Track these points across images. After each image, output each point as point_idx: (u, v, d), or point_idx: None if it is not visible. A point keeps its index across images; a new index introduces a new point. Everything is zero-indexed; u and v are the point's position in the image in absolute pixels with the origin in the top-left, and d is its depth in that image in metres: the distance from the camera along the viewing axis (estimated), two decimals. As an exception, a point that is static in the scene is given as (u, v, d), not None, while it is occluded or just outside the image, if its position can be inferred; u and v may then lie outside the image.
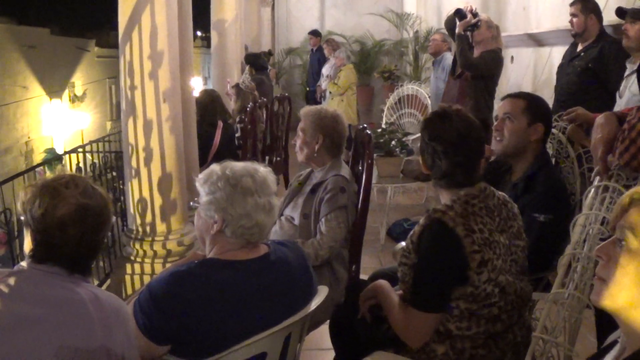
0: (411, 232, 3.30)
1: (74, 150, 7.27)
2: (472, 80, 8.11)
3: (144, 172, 5.94)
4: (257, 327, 2.88)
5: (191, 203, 3.30)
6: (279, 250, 3.14)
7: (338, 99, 13.63)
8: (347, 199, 4.56)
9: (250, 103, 8.76)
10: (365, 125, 5.46)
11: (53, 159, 6.66)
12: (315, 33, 16.16)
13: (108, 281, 6.57)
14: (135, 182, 5.98)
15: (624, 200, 1.99)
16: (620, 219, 1.98)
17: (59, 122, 37.56)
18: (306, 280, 3.18)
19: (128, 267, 6.13)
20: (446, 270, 3.13)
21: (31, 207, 2.60)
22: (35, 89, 36.21)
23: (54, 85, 36.47)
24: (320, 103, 14.30)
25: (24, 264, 2.66)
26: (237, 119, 8.87)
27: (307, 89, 15.89)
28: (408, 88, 12.33)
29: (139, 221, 6.02)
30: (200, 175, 3.12)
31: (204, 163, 7.44)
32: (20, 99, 34.49)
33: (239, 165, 3.10)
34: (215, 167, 3.10)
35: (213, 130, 8.11)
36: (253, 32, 17.17)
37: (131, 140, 5.95)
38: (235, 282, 2.91)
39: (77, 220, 2.58)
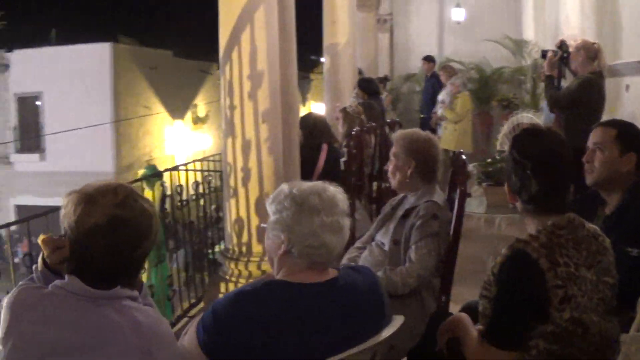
0: (493, 263, 3.13)
1: (175, 168, 7.31)
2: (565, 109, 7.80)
3: (241, 192, 5.91)
4: (318, 354, 2.78)
5: (262, 224, 3.20)
6: (348, 275, 3.01)
7: (452, 126, 13.45)
8: (440, 227, 4.40)
9: (357, 127, 8.67)
10: (461, 150, 5.29)
11: (152, 175, 6.67)
12: (429, 59, 15.97)
13: (201, 304, 6.56)
14: (232, 201, 5.96)
15: None
16: None
17: (180, 143, 38.33)
18: (376, 310, 3.03)
19: (222, 286, 6.09)
20: (525, 305, 2.93)
21: (68, 214, 2.54)
22: (158, 110, 37.03)
23: (177, 106, 37.25)
24: (435, 130, 14.14)
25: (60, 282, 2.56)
26: (344, 143, 8.79)
27: (422, 115, 15.69)
28: (523, 116, 12.04)
29: (235, 241, 5.98)
30: (271, 195, 3.04)
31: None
32: (144, 119, 35.25)
33: (306, 184, 3.01)
34: (283, 186, 3.02)
35: (317, 153, 8.04)
36: (369, 56, 17.07)
37: (230, 159, 5.94)
38: (298, 305, 2.82)
39: (108, 231, 2.48)
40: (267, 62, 5.77)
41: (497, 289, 3.02)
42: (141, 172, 6.83)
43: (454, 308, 4.58)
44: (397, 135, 4.80)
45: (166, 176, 7.22)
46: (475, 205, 9.06)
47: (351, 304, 2.92)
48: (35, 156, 35.42)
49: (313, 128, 8.17)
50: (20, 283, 2.69)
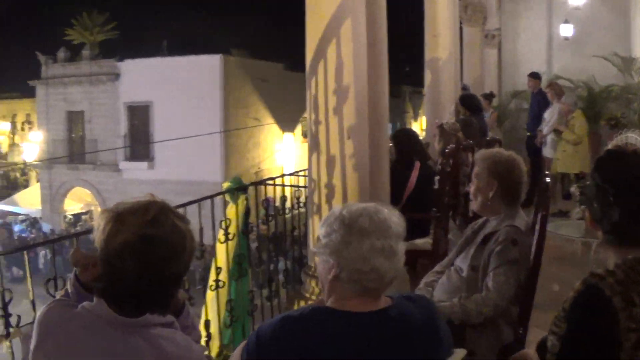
0: (564, 299, 2.89)
1: (262, 182, 7.24)
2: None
3: (325, 208, 5.80)
4: None
5: (314, 248, 3.04)
6: (402, 305, 2.83)
7: (572, 148, 13.06)
8: (520, 253, 4.16)
9: (452, 145, 8.46)
10: (547, 172, 5.04)
11: (236, 188, 6.60)
12: (534, 75, 15.54)
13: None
14: (316, 218, 5.86)
15: None
16: None
17: (289, 156, 38.64)
18: (431, 343, 2.83)
19: (302, 304, 5.97)
20: (594, 347, 2.69)
21: (98, 232, 2.44)
22: (267, 122, 37.38)
23: (287, 119, 37.53)
24: (540, 149, 13.82)
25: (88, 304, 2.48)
26: (439, 161, 8.59)
27: (528, 133, 15.31)
28: (629, 137, 11.59)
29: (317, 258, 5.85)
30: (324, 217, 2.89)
31: (397, 204, 7.21)
32: (253, 130, 35.61)
33: (358, 205, 2.85)
34: (335, 208, 2.90)
35: (409, 171, 7.86)
36: (475, 72, 16.74)
37: (314, 175, 5.85)
38: (344, 334, 2.67)
39: (138, 250, 2.36)
40: (354, 77, 5.64)
41: (566, 326, 2.79)
42: (225, 184, 6.72)
43: (541, 334, 4.33)
44: (479, 155, 4.59)
45: (250, 191, 7.14)
46: (575, 228, 8.71)
47: (403, 337, 2.73)
48: (144, 164, 36.24)
49: (405, 144, 8.02)
50: (55, 299, 2.65)
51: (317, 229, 5.67)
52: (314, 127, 5.77)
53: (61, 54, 40.47)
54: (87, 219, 42.94)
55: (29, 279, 4.57)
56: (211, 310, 6.40)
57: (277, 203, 7.39)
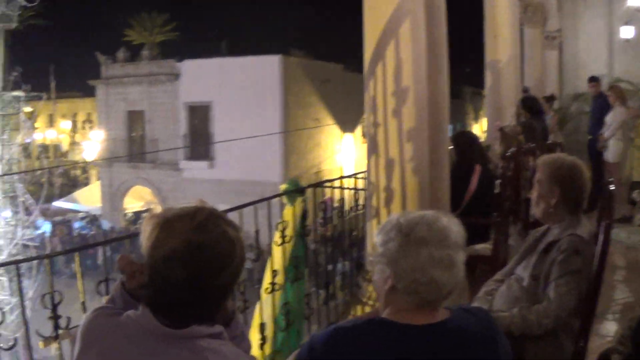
0: (630, 316, 2.77)
1: (319, 184, 7.16)
2: None
3: (383, 212, 5.74)
4: None
5: (370, 257, 2.95)
6: (461, 318, 2.72)
7: (640, 153, 12.85)
8: (582, 263, 4.02)
9: (513, 148, 8.31)
10: (611, 178, 4.88)
11: (293, 191, 6.53)
12: (593, 79, 15.27)
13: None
14: (374, 222, 5.81)
15: None
16: None
17: (349, 157, 38.59)
18: (489, 357, 2.74)
19: (359, 309, 5.91)
20: None
21: (145, 239, 2.36)
22: (327, 123, 37.38)
23: (347, 120, 37.50)
24: (601, 153, 13.57)
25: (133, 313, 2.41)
26: (499, 165, 8.45)
27: (590, 137, 15.05)
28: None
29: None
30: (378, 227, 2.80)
31: (457, 208, 7.10)
32: (313, 131, 35.66)
33: (416, 213, 2.74)
34: (392, 216, 2.78)
35: (470, 174, 7.74)
36: (536, 74, 16.52)
37: (373, 178, 5.79)
38: (400, 348, 2.57)
39: (185, 258, 2.26)
40: (413, 79, 5.56)
41: (633, 346, 2.67)
42: (283, 186, 6.66)
43: (600, 344, 4.21)
44: (541, 161, 4.45)
45: (308, 193, 7.07)
46: (638, 234, 8.51)
47: (460, 351, 2.63)
48: (204, 164, 36.50)
49: (466, 147, 7.90)
50: (98, 306, 2.57)
51: (375, 233, 5.62)
52: (373, 129, 5.71)
53: (120, 54, 40.91)
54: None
55: (80, 281, 4.55)
56: (266, 313, 6.36)
57: (335, 205, 7.30)
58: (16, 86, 26.57)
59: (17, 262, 4.43)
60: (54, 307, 4.29)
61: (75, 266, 4.59)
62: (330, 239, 7.88)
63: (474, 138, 8.39)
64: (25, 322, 4.29)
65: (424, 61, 5.66)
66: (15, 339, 4.32)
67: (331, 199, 7.79)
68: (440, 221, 2.69)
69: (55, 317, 4.24)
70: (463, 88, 59.72)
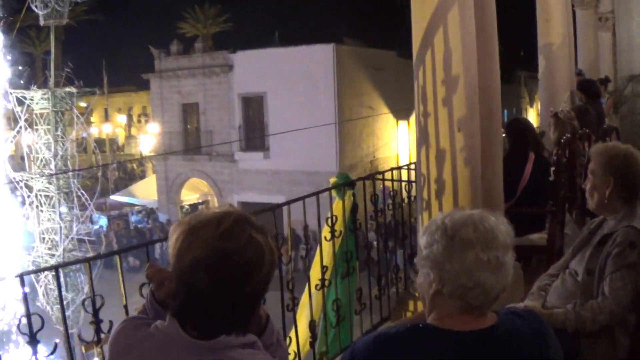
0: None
1: (369, 177, 7.01)
2: None
3: (434, 204, 5.59)
4: None
5: (415, 259, 2.80)
6: (510, 322, 2.58)
7: None
8: (638, 256, 3.84)
9: (568, 134, 8.08)
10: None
11: (343, 184, 6.41)
12: (648, 59, 14.99)
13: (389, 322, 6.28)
14: (425, 214, 5.67)
15: None
16: None
17: (404, 144, 38.43)
18: None
19: (411, 304, 5.78)
20: None
21: (171, 246, 2.28)
22: (381, 110, 37.24)
23: (401, 107, 37.30)
24: (656, 137, 13.25)
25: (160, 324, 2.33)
26: (554, 151, 8.22)
27: (647, 120, 14.73)
28: None
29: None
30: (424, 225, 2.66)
31: (511, 197, 6.92)
32: (367, 119, 35.57)
33: (462, 213, 2.61)
34: (437, 216, 2.65)
35: (523, 163, 7.54)
36: (589, 57, 16.20)
37: (423, 170, 5.65)
38: (445, 355, 2.46)
39: (210, 266, 2.17)
40: (463, 66, 5.38)
41: None
42: (333, 180, 6.55)
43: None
44: (594, 150, 4.29)
45: (358, 186, 6.95)
46: None
47: (509, 357, 2.48)
48: (259, 154, 36.65)
49: (519, 135, 7.73)
50: (128, 317, 2.56)
51: (421, 232, 5.49)
52: (423, 119, 5.56)
53: (174, 47, 41.10)
54: (204, 209, 43.65)
55: (121, 284, 4.47)
56: (315, 309, 6.27)
57: (381, 198, 7.15)
58: (69, 82, 26.83)
59: (57, 267, 4.39)
60: (96, 311, 4.24)
61: (120, 264, 4.50)
62: (385, 230, 7.71)
63: (527, 125, 8.19)
64: (66, 328, 4.23)
65: (473, 47, 5.48)
66: (56, 344, 4.24)
67: (388, 188, 7.68)
68: (487, 221, 2.55)
69: (96, 322, 4.18)
70: (517, 72, 59.06)
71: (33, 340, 3.94)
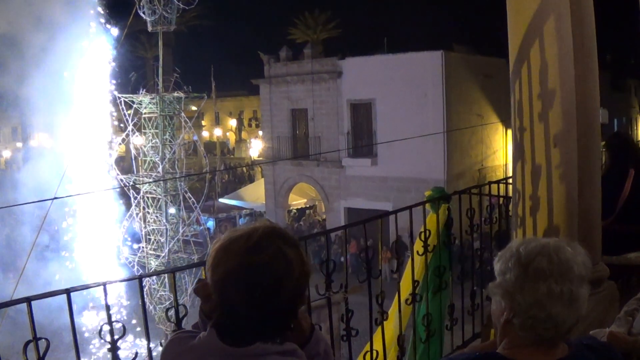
0: None
1: (465, 191, 6.90)
2: None
3: (529, 221, 5.48)
4: None
5: (489, 285, 2.71)
6: (581, 356, 2.48)
7: None
8: None
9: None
10: None
11: (438, 198, 6.32)
12: None
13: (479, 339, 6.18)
14: (519, 231, 5.55)
15: None
16: None
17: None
18: None
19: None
20: None
21: (208, 262, 2.41)
22: (490, 118, 36.84)
23: (510, 116, 36.78)
24: None
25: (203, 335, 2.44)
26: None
27: None
28: None
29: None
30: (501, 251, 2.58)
31: (609, 215, 6.72)
32: (475, 127, 35.24)
33: (538, 241, 2.53)
34: (513, 242, 2.58)
35: (623, 179, 7.31)
36: None
37: (518, 185, 5.56)
38: None
39: (239, 279, 2.31)
40: (559, 80, 5.26)
41: None
42: (427, 193, 6.47)
43: None
44: None
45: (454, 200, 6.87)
46: None
47: None
48: (367, 161, 36.68)
49: (619, 150, 7.49)
50: (178, 330, 2.76)
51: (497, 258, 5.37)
52: (519, 134, 5.48)
53: (283, 53, 41.41)
54: (311, 214, 44.01)
55: (174, 295, 4.51)
56: (404, 324, 6.23)
57: (474, 212, 7.03)
58: (177, 87, 27.25)
59: (140, 277, 4.46)
60: (179, 321, 4.31)
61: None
62: (481, 245, 7.57)
63: (628, 140, 7.96)
64: (148, 338, 4.29)
65: (570, 60, 5.34)
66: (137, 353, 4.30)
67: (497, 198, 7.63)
68: (563, 252, 2.46)
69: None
70: (628, 80, 57.47)
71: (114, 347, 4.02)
